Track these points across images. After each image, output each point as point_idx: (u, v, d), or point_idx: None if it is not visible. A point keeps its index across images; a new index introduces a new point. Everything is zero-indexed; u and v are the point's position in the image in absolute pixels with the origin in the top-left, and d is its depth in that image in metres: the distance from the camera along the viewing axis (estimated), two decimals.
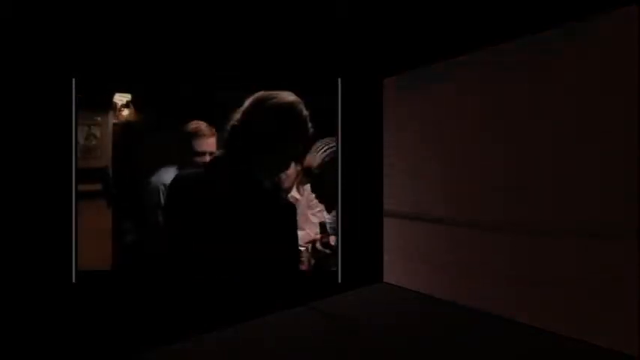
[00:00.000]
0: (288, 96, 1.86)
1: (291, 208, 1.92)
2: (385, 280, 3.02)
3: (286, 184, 2.38)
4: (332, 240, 2.35)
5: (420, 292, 2.73)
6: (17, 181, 1.89)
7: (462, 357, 1.82)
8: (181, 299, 2.20)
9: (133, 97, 2.25)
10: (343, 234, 2.43)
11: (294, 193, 2.41)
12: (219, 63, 2.38)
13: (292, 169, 2.38)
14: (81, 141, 2.20)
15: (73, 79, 2.10)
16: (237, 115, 1.83)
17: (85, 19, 2.00)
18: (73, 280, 2.07)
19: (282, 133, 1.84)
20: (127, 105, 2.26)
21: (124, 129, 2.25)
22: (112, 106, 2.23)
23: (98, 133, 2.23)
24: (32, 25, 1.92)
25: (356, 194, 2.79)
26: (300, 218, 2.39)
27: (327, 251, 2.30)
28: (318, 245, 2.31)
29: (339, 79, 2.50)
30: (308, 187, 2.41)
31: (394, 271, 2.97)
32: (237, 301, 2.29)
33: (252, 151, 1.81)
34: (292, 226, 1.89)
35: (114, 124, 2.24)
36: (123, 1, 1.91)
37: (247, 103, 1.83)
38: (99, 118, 2.23)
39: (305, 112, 1.86)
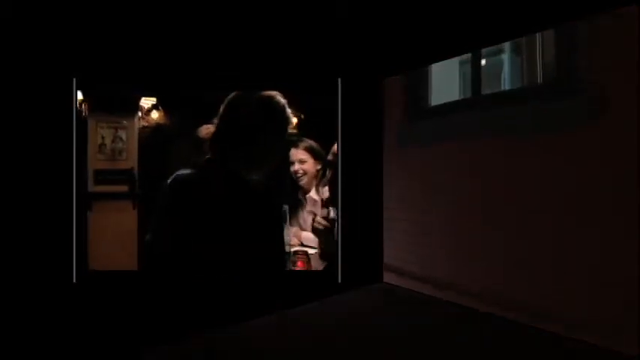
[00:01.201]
0: (264, 92, 1.88)
1: (275, 208, 1.92)
2: (385, 280, 3.02)
3: (304, 182, 2.35)
4: (332, 213, 2.33)
5: (420, 292, 2.73)
6: (17, 182, 1.89)
7: (462, 357, 1.82)
8: (181, 299, 2.20)
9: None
10: (343, 234, 2.43)
11: (312, 194, 2.39)
12: (219, 63, 2.38)
13: (312, 166, 2.35)
14: (108, 144, 2.25)
15: (74, 79, 2.10)
16: (216, 120, 1.87)
17: (85, 19, 2.00)
18: (74, 281, 2.07)
19: (260, 124, 1.85)
20: (153, 109, 2.31)
21: (149, 132, 2.30)
22: (138, 110, 2.29)
23: (124, 136, 2.29)
24: (32, 25, 1.92)
25: (356, 194, 2.79)
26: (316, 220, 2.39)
27: (326, 224, 2.28)
28: (319, 220, 2.29)
29: (339, 79, 2.50)
30: (327, 189, 2.41)
31: (394, 271, 2.97)
32: (237, 301, 2.30)
33: (235, 149, 1.82)
34: (276, 226, 1.88)
35: (143, 127, 2.28)
36: (123, 1, 1.91)
37: (222, 106, 1.88)
38: (125, 122, 2.30)
39: (282, 102, 1.87)
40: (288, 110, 1.90)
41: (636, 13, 1.74)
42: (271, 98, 1.87)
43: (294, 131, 2.39)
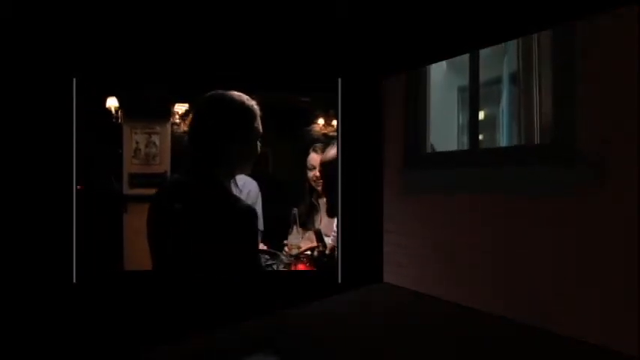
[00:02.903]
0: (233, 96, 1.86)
1: (249, 212, 1.87)
2: (385, 280, 3.02)
3: (321, 188, 2.35)
4: (328, 248, 2.34)
5: (420, 292, 2.73)
6: (17, 182, 1.89)
7: (461, 357, 1.82)
8: (181, 300, 2.20)
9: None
10: (343, 234, 2.43)
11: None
12: (219, 63, 2.38)
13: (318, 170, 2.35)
14: (142, 148, 2.35)
15: (74, 79, 2.10)
16: (189, 123, 1.88)
17: (85, 19, 2.00)
18: (74, 281, 2.07)
19: (226, 122, 1.83)
20: (186, 114, 2.37)
21: (182, 136, 2.36)
22: (171, 115, 2.41)
23: (158, 141, 2.37)
24: (32, 25, 1.92)
25: (356, 193, 2.79)
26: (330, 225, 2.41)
27: (325, 260, 2.31)
28: (315, 253, 2.30)
29: (339, 79, 2.50)
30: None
31: (394, 271, 2.97)
32: (237, 301, 2.30)
33: (209, 149, 1.80)
34: (250, 230, 1.84)
35: (184, 132, 2.36)
36: (124, 1, 1.91)
37: (192, 112, 1.89)
38: (158, 127, 2.40)
39: (248, 102, 1.85)
40: (256, 110, 1.88)
41: (636, 13, 1.74)
42: (239, 101, 1.84)
43: (333, 134, 2.45)
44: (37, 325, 1.89)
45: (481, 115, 2.94)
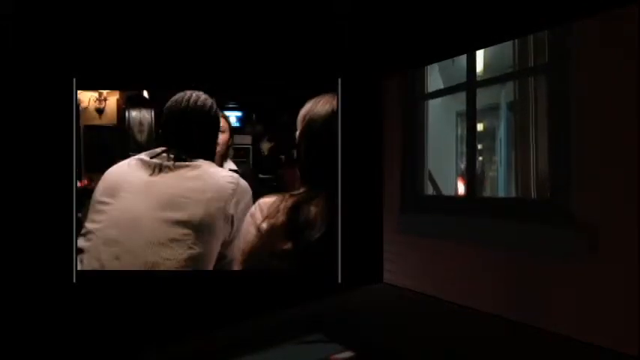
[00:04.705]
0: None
1: None
2: (385, 280, 3.02)
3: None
4: None
5: (420, 292, 2.73)
6: (17, 181, 1.89)
7: (461, 357, 1.82)
8: (181, 299, 2.20)
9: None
10: (343, 233, 2.43)
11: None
12: (218, 63, 2.38)
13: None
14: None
15: (74, 79, 2.10)
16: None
17: (85, 19, 2.00)
18: (74, 281, 2.07)
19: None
20: None
21: None
22: None
23: None
24: (32, 25, 1.92)
25: (356, 194, 2.79)
26: None
27: None
28: None
29: (339, 79, 2.50)
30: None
31: (394, 271, 2.97)
32: (237, 301, 2.29)
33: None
34: None
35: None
36: (124, 0, 1.91)
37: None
38: None
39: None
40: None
41: (636, 13, 1.74)
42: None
43: None
44: (37, 325, 1.89)
45: (480, 127, 2.95)
